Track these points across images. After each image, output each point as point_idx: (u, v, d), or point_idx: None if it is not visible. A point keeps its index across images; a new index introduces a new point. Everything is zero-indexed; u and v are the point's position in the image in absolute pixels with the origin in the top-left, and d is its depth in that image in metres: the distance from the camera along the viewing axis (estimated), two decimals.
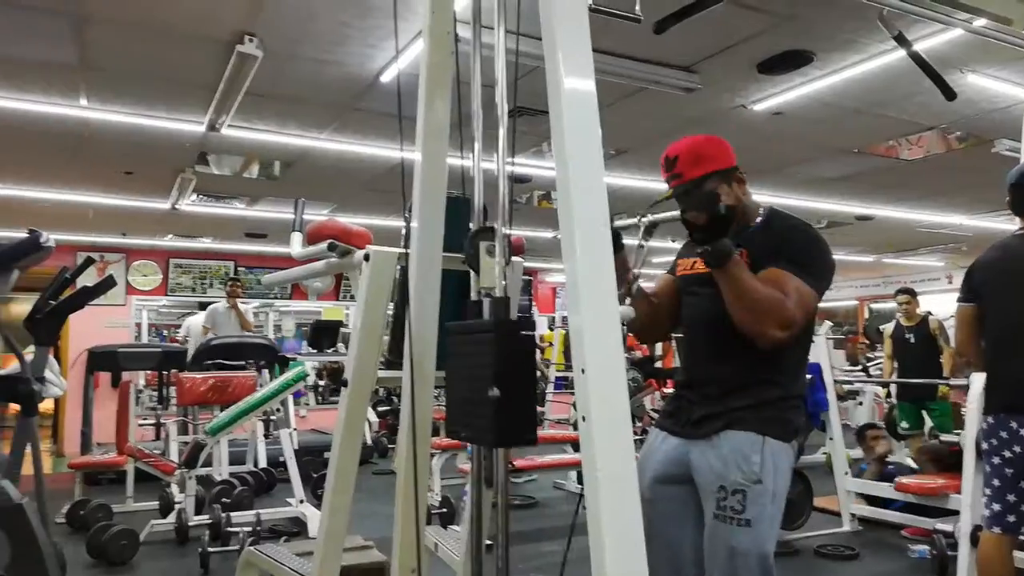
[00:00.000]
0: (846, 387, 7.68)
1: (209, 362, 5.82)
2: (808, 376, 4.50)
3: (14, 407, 3.46)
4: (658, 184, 6.17)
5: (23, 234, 1.82)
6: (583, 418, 1.07)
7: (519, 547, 3.91)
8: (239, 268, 10.05)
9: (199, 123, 4.56)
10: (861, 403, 7.62)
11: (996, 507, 2.50)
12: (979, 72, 3.88)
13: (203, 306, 8.76)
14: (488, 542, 1.49)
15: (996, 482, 2.50)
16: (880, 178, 6.12)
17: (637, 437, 2.09)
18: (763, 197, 6.54)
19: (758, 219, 1.88)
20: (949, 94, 2.77)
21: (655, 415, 6.50)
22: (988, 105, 4.34)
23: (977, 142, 5.10)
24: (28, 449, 3.30)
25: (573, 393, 1.29)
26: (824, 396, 4.57)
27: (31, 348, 3.49)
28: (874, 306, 13.19)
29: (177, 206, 6.79)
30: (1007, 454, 2.44)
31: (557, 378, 8.41)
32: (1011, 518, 2.47)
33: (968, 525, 3.22)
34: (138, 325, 9.44)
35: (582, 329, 1.08)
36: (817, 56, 3.68)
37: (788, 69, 3.84)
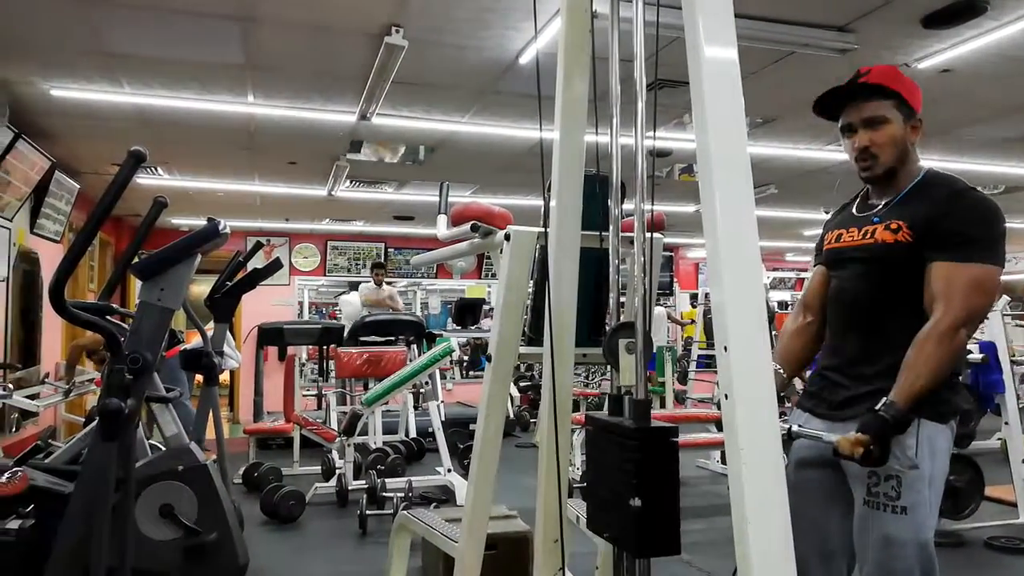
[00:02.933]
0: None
1: (363, 338, 6.18)
2: (981, 355, 4.12)
3: (197, 378, 3.87)
4: (810, 153, 5.85)
5: (203, 222, 2.03)
6: (726, 396, 1.05)
7: None
8: (388, 249, 10.56)
9: (351, 113, 4.82)
10: None
11: None
12: None
13: (354, 286, 9.31)
14: None
15: None
16: None
17: (784, 418, 2.00)
18: (931, 162, 5.99)
19: (914, 181, 1.72)
20: None
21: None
22: None
23: None
24: (211, 416, 3.68)
25: (716, 371, 1.26)
26: (999, 377, 4.17)
27: (211, 325, 3.88)
28: None
29: (333, 192, 7.22)
30: None
31: (699, 356, 8.22)
32: None
33: None
34: (300, 303, 10.17)
35: (724, 305, 1.06)
36: (992, 4, 3.32)
37: (958, 22, 3.48)
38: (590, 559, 2.33)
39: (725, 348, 1.05)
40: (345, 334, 6.42)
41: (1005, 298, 6.80)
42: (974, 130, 5.32)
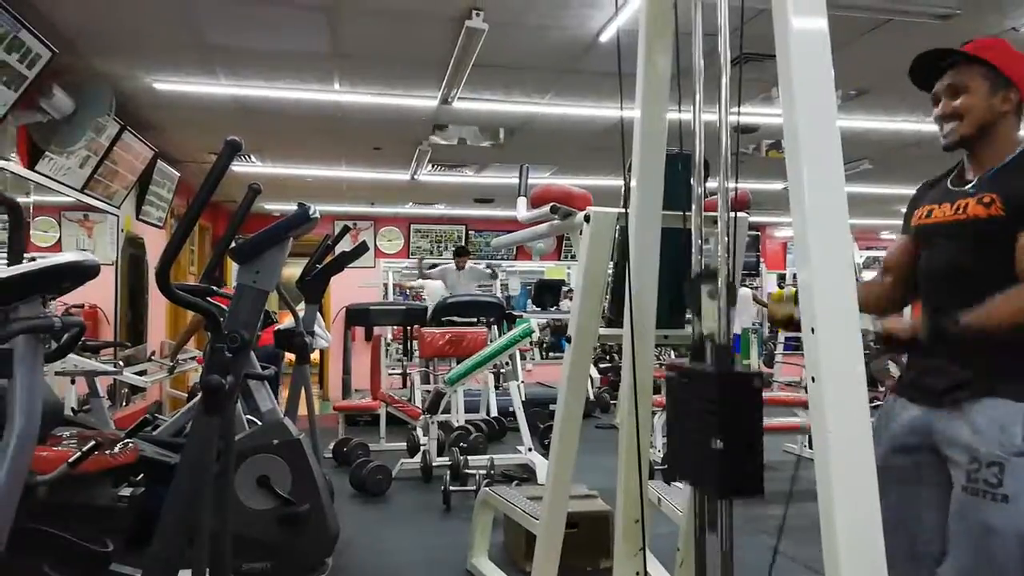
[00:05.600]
0: None
1: (445, 318, 6.29)
2: None
3: (290, 356, 4.04)
4: (907, 125, 5.55)
5: (294, 207, 2.10)
6: (812, 379, 1.03)
7: (746, 508, 3.81)
8: (469, 232, 10.68)
9: (433, 98, 4.88)
10: None
11: None
12: None
13: (434, 266, 9.46)
14: None
15: None
16: None
17: (878, 403, 1.93)
18: None
19: (1010, 155, 1.62)
20: None
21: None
22: None
23: None
24: (303, 393, 3.85)
25: (803, 354, 1.23)
26: None
27: (302, 306, 4.04)
28: None
29: (416, 176, 7.34)
30: None
31: (787, 338, 7.96)
32: None
33: None
34: (385, 285, 10.42)
35: (812, 285, 1.03)
36: None
37: None
38: (671, 540, 2.32)
39: (812, 330, 1.02)
40: (428, 315, 6.55)
41: None
42: None
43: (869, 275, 9.63)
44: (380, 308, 7.07)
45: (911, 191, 1.90)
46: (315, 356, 8.20)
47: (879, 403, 1.76)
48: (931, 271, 1.72)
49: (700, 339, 1.31)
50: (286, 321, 4.41)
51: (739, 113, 1.37)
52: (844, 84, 4.55)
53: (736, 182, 1.35)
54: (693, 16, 1.46)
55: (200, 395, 1.83)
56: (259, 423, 3.07)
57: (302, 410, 3.84)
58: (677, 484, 2.12)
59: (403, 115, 5.26)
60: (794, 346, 7.99)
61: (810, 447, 1.08)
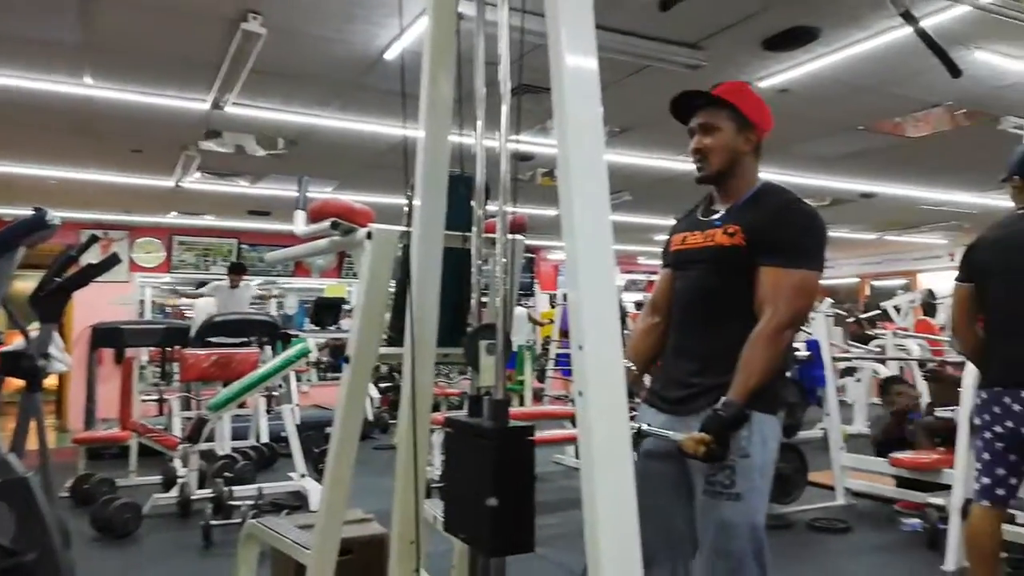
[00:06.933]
0: (844, 364, 7.70)
1: (212, 339, 5.85)
2: (807, 353, 4.52)
3: (18, 382, 3.51)
4: (663, 163, 6.16)
5: (29, 212, 1.83)
6: (580, 393, 1.08)
7: None
8: (242, 245, 10.06)
9: (204, 101, 4.55)
10: (859, 380, 7.65)
11: (986, 480, 2.53)
12: (986, 48, 3.85)
13: (203, 284, 8.79)
14: None
15: (987, 456, 2.53)
16: (885, 156, 6.09)
17: (634, 414, 2.10)
18: (770, 175, 6.49)
19: (750, 191, 1.86)
20: (955, 71, 2.76)
21: None
22: (995, 82, 4.31)
23: (983, 119, 5.07)
24: (33, 424, 3.35)
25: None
26: (822, 373, 4.60)
27: (36, 325, 3.53)
28: (876, 283, 13.20)
29: (181, 183, 6.78)
30: (999, 429, 2.46)
31: (558, 355, 8.45)
32: (1000, 491, 2.50)
33: (960, 499, 3.26)
34: (141, 302, 9.47)
35: (580, 305, 1.09)
36: (823, 32, 3.65)
37: (794, 46, 3.81)
38: (447, 558, 2.33)
39: (580, 347, 1.08)
40: (192, 334, 6.06)
41: (828, 300, 7.52)
42: (806, 146, 5.83)
43: (628, 296, 10.54)
44: (134, 327, 6.38)
45: (664, 220, 2.11)
46: (51, 381, 7.22)
47: (635, 414, 1.92)
48: (682, 292, 1.92)
49: (477, 393, 1.33)
50: (15, 342, 3.82)
51: (517, 141, 1.43)
52: (609, 121, 4.96)
53: (514, 206, 1.40)
54: (475, 44, 1.51)
55: None
56: None
57: (33, 443, 3.34)
58: None
59: (167, 117, 4.84)
60: (564, 362, 8.50)
61: (577, 457, 1.14)
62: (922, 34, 2.75)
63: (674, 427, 1.79)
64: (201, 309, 7.90)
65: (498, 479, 1.19)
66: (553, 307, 9.71)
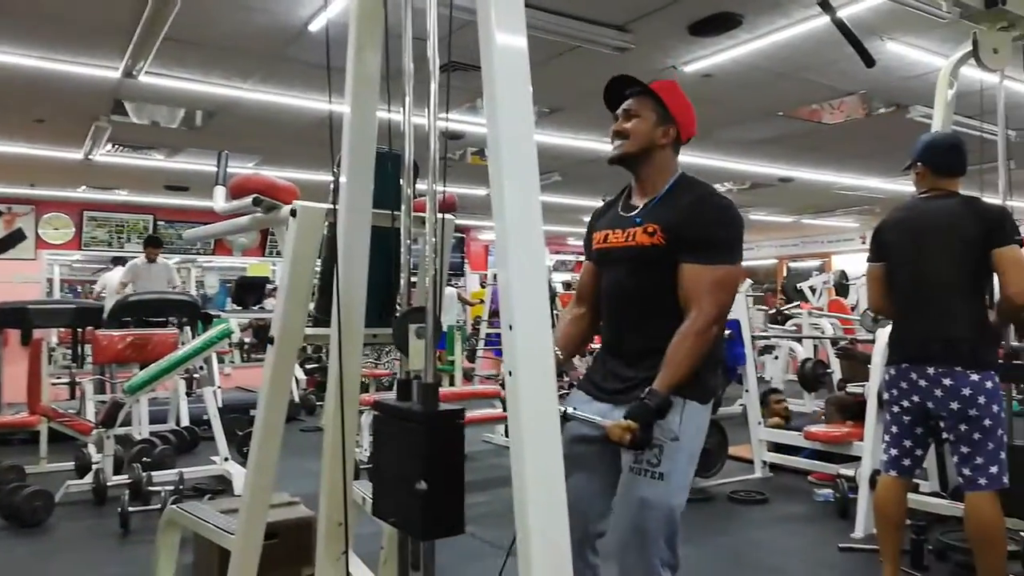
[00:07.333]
0: (763, 342, 8.00)
1: (128, 319, 5.61)
2: (727, 332, 4.67)
3: None
4: (592, 144, 6.22)
5: None
6: (510, 373, 1.09)
7: None
8: (158, 222, 9.66)
9: (115, 69, 4.32)
10: (777, 357, 7.97)
11: (893, 452, 2.68)
12: (898, 40, 4.02)
13: (117, 261, 8.41)
14: None
15: (894, 429, 2.68)
16: (803, 141, 6.32)
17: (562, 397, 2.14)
18: (691, 159, 6.68)
19: (666, 185, 1.89)
20: (869, 61, 2.86)
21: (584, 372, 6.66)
22: (905, 72, 4.51)
23: (894, 108, 5.31)
24: None
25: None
26: (742, 351, 4.76)
27: None
28: (792, 265, 13.74)
29: (91, 156, 6.44)
30: (906, 403, 2.61)
31: (488, 335, 8.48)
32: (906, 462, 2.66)
33: (868, 469, 3.45)
34: (50, 280, 8.98)
35: (510, 285, 1.10)
36: (745, 19, 3.74)
37: (718, 31, 3.89)
38: (375, 540, 2.32)
39: (511, 327, 1.09)
40: (105, 315, 5.79)
41: (748, 281, 7.78)
42: (729, 131, 5.99)
43: (557, 276, 10.64)
44: (42, 307, 6.05)
45: (593, 202, 2.13)
46: None
47: (565, 397, 1.95)
48: (609, 290, 1.95)
49: (407, 376, 1.32)
50: None
51: (447, 119, 1.42)
52: (539, 102, 4.97)
53: (444, 185, 1.39)
54: (403, 19, 1.48)
55: None
56: None
57: None
58: None
59: (74, 85, 4.58)
60: (494, 342, 8.53)
61: (506, 436, 1.15)
62: (839, 23, 2.84)
63: (610, 415, 1.82)
64: (108, 282, 7.57)
65: (428, 463, 1.19)
66: (483, 287, 9.74)
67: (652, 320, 1.81)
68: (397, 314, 1.39)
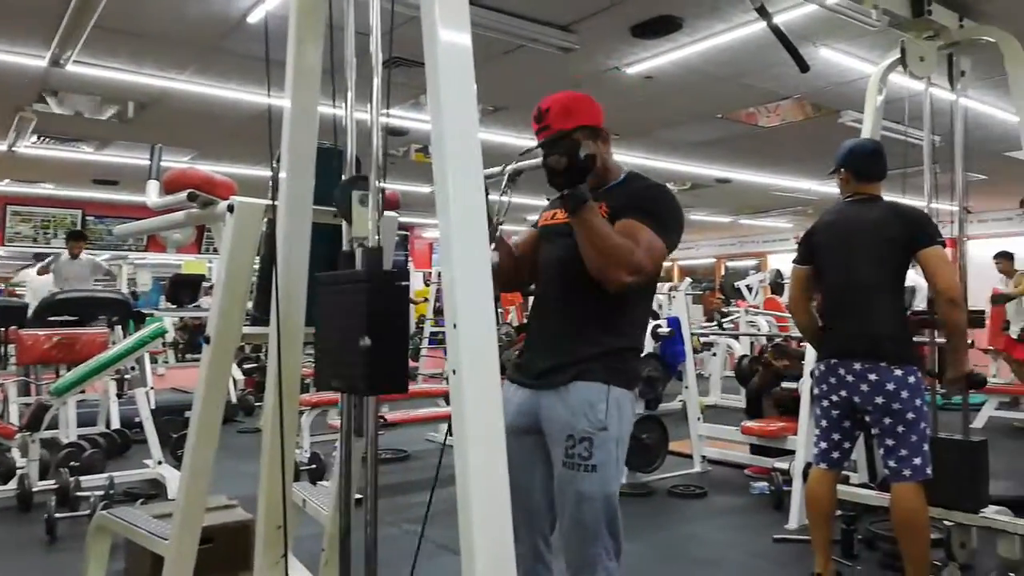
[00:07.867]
0: (702, 340, 8.18)
1: (54, 318, 5.38)
2: (668, 329, 4.75)
3: None
4: (536, 142, 6.25)
5: None
6: (454, 371, 1.09)
7: (389, 499, 3.93)
8: (87, 217, 9.29)
9: (41, 57, 4.14)
10: (715, 354, 8.15)
11: (823, 445, 2.78)
12: (830, 46, 4.16)
13: (38, 257, 8.06)
14: (357, 496, 1.49)
15: (824, 423, 2.77)
16: (740, 144, 6.48)
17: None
18: (633, 159, 6.78)
19: (618, 179, 1.94)
20: (803, 66, 2.95)
21: None
22: (837, 78, 4.67)
23: (826, 113, 5.49)
24: None
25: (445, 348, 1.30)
26: (682, 348, 4.85)
27: None
28: (730, 264, 14.09)
29: (15, 148, 6.16)
30: (834, 397, 2.70)
31: (431, 333, 8.43)
32: (836, 455, 2.76)
33: (801, 462, 3.56)
34: None
35: (454, 283, 1.09)
36: (686, 22, 3.81)
37: (659, 34, 3.96)
38: (316, 542, 2.28)
39: (455, 325, 1.08)
40: (30, 313, 5.54)
41: (688, 280, 7.94)
42: (668, 132, 6.10)
43: None
44: None
45: (539, 201, 2.13)
46: None
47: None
48: (547, 261, 1.98)
49: (350, 244, 1.33)
50: None
51: (388, 115, 1.40)
52: (484, 100, 4.96)
53: (386, 182, 1.37)
54: (345, 12, 1.45)
55: None
56: None
57: None
58: (324, 483, 2.09)
59: None
60: (438, 341, 8.49)
61: (450, 434, 1.14)
62: (775, 29, 2.92)
63: (533, 405, 1.83)
64: (36, 284, 7.25)
65: (372, 320, 1.19)
66: (427, 285, 9.67)
67: (585, 300, 1.81)
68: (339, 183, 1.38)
